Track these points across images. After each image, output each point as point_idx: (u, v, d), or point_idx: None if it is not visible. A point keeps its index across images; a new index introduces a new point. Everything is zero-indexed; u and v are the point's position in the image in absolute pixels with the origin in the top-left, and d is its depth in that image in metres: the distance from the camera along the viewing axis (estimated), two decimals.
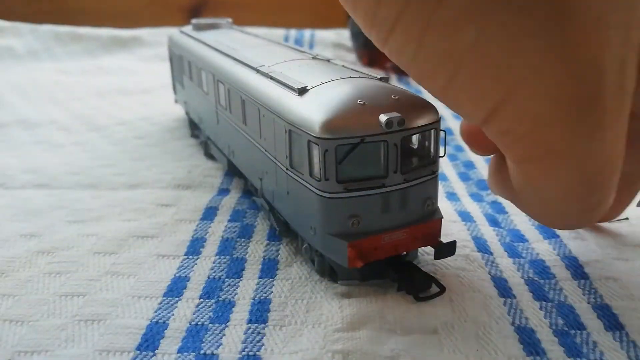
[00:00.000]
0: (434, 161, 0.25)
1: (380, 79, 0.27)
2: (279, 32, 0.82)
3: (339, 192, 0.23)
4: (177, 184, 0.37)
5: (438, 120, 0.25)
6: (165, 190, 0.36)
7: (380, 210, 0.24)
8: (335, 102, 0.24)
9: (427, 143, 0.25)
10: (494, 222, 0.32)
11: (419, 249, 0.28)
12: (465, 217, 0.32)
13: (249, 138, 0.31)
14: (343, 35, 0.83)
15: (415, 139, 0.25)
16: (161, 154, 0.44)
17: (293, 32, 0.84)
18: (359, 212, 0.24)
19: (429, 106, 0.25)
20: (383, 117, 0.23)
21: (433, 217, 0.25)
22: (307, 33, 0.84)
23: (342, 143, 0.23)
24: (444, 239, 0.26)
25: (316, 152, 0.23)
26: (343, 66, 0.30)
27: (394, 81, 0.69)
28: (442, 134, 0.25)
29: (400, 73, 0.72)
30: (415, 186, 0.25)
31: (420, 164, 0.25)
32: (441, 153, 0.25)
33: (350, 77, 0.27)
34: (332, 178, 0.23)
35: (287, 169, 0.26)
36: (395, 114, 0.23)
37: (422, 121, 0.24)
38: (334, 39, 0.83)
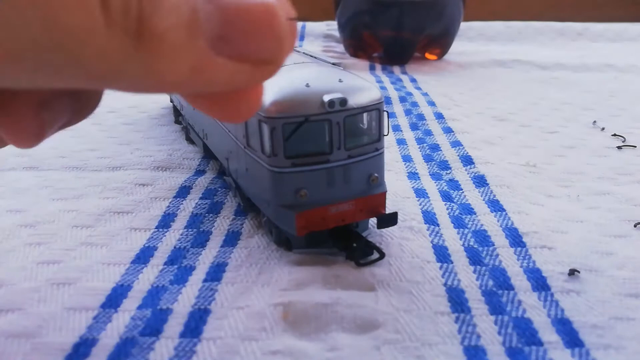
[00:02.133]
0: (378, 139, 0.27)
1: (333, 64, 0.30)
2: None
3: (286, 167, 0.26)
4: (157, 165, 0.39)
5: (380, 102, 0.27)
6: (145, 172, 0.39)
7: (326, 184, 0.26)
8: (283, 85, 0.26)
9: (372, 123, 0.27)
10: (447, 198, 0.34)
11: (371, 222, 0.30)
12: (420, 193, 0.35)
13: (217, 121, 0.33)
14: (332, 26, 0.85)
15: (361, 118, 0.27)
16: (145, 138, 0.46)
17: None
18: (305, 185, 0.26)
19: (372, 89, 0.27)
20: (326, 98, 0.25)
21: (377, 191, 0.28)
22: (298, 25, 0.86)
23: (288, 122, 0.25)
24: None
25: (266, 130, 0.25)
26: (304, 53, 0.32)
27: (379, 71, 0.71)
28: (384, 114, 0.27)
29: (386, 62, 0.74)
30: (359, 162, 0.27)
31: (365, 142, 0.27)
32: (385, 132, 0.28)
33: (304, 63, 0.29)
34: (280, 154, 0.25)
35: (245, 147, 0.28)
36: (337, 95, 0.25)
37: (364, 102, 0.26)
38: (323, 30, 0.85)
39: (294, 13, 0.16)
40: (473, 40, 0.89)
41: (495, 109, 0.54)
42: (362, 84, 0.27)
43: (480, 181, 0.36)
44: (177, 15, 0.13)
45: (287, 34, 0.15)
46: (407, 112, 0.52)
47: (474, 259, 0.28)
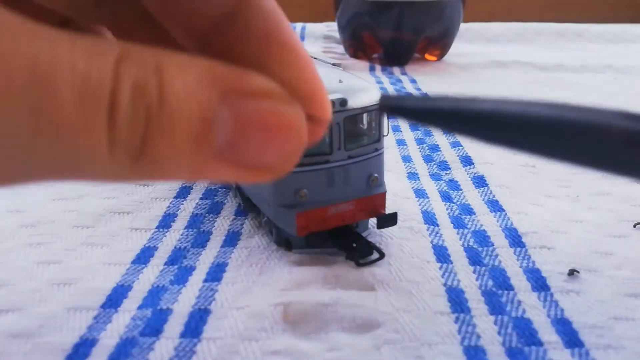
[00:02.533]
0: (377, 140, 0.27)
1: (333, 65, 0.30)
2: None
3: None
4: None
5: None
6: None
7: (326, 184, 0.26)
8: None
9: (372, 123, 0.27)
10: (447, 198, 0.34)
11: (371, 223, 0.30)
12: (420, 194, 0.35)
13: None
14: (332, 27, 0.85)
15: (360, 119, 0.27)
16: None
17: None
18: (306, 186, 0.26)
19: (372, 89, 0.27)
20: None
21: (377, 191, 0.28)
22: (298, 26, 0.86)
23: None
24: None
25: None
26: None
27: (379, 72, 0.71)
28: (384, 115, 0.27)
29: (386, 63, 0.74)
30: (359, 162, 0.27)
31: (365, 142, 0.27)
32: (385, 132, 0.28)
33: None
34: None
35: None
36: (337, 95, 0.25)
37: (364, 102, 0.26)
38: (323, 31, 0.85)
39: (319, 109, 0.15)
40: (473, 41, 0.89)
41: None
42: (362, 85, 0.27)
43: (479, 181, 0.36)
44: (186, 129, 0.12)
45: (302, 145, 0.14)
46: None
47: (474, 259, 0.28)
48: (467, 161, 0.40)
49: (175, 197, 0.35)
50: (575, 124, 0.14)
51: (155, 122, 0.12)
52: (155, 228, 0.31)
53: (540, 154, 0.15)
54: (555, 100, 0.14)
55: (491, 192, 0.35)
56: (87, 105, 0.11)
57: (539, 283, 0.26)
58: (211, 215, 0.32)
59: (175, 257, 0.28)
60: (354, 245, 0.27)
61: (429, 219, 0.31)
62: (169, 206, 0.33)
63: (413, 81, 0.65)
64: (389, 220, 0.28)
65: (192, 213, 0.33)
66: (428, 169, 0.40)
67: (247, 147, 0.13)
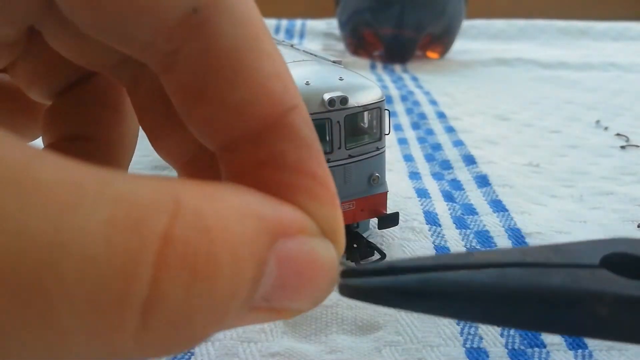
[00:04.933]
0: (379, 138, 0.27)
1: (334, 62, 0.29)
2: (270, 22, 0.84)
3: None
4: (156, 165, 0.39)
5: (381, 100, 0.26)
6: (144, 171, 0.38)
7: None
8: None
9: (373, 122, 0.27)
10: (449, 198, 0.34)
11: (372, 223, 0.30)
12: (422, 193, 0.34)
13: None
14: (332, 24, 0.85)
15: (361, 117, 0.27)
16: (144, 138, 0.46)
17: (284, 22, 0.86)
18: None
19: (373, 87, 0.26)
20: (326, 96, 0.25)
21: (378, 191, 0.27)
22: (298, 23, 0.86)
23: None
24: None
25: None
26: (304, 51, 0.32)
27: (380, 69, 0.71)
28: (386, 113, 0.27)
29: (387, 61, 0.74)
30: (360, 162, 0.26)
31: (365, 141, 0.27)
32: (386, 131, 0.27)
33: (303, 60, 0.29)
34: None
35: None
36: (338, 93, 0.25)
37: (365, 100, 0.26)
38: (324, 28, 0.85)
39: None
40: (475, 38, 0.89)
41: (497, 108, 0.54)
42: (363, 82, 0.27)
43: (482, 181, 0.36)
44: (235, 306, 0.10)
45: (333, 288, 0.13)
46: (409, 111, 0.52)
47: None
48: (469, 160, 0.39)
49: None
50: (556, 294, 0.12)
51: (201, 316, 0.09)
52: None
53: (524, 327, 0.14)
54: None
55: (494, 192, 0.34)
56: (102, 308, 0.08)
57: None
58: None
59: None
60: (355, 246, 0.27)
61: (431, 219, 0.31)
62: None
63: (414, 79, 0.65)
64: (390, 220, 0.28)
65: None
66: (430, 168, 0.39)
67: (282, 296, 0.11)
